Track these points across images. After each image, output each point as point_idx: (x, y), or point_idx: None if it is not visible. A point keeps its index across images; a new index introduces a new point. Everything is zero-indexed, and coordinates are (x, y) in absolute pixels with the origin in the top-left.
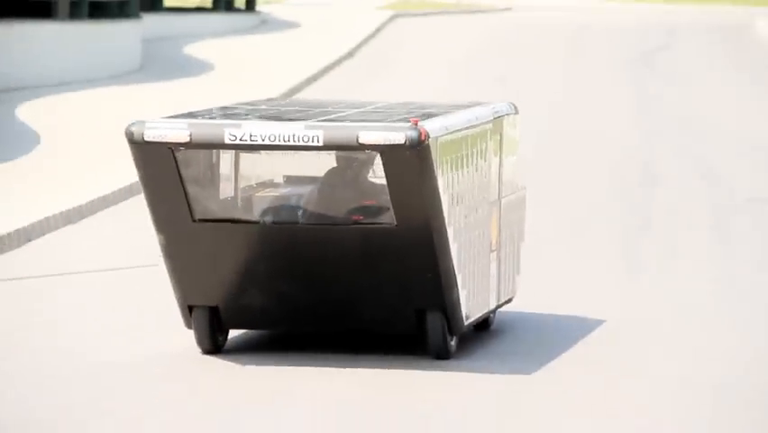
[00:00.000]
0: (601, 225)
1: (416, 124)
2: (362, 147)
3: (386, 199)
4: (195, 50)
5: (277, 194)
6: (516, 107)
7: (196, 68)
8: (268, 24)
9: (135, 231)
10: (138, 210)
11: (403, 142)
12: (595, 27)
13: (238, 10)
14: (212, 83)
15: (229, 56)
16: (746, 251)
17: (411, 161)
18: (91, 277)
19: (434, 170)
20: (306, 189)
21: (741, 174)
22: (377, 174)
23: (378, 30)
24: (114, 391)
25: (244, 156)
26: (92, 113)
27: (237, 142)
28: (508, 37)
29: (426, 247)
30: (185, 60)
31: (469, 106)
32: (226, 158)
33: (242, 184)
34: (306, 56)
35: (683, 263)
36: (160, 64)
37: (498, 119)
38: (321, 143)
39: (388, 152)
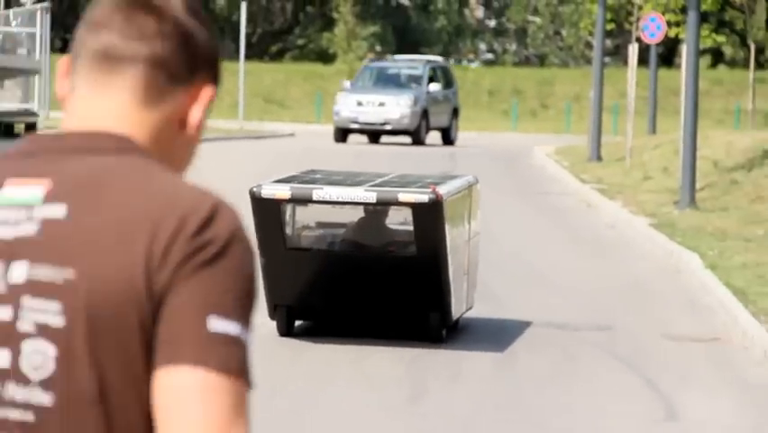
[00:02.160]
0: (385, 351)
1: (434, 190)
2: (400, 204)
3: (407, 237)
4: None
5: (317, 234)
6: (477, 179)
7: None
8: None
9: None
10: None
11: (427, 201)
12: (377, 152)
13: (18, 135)
14: None
15: None
16: (530, 376)
17: (431, 213)
18: None
19: (444, 219)
20: (337, 230)
21: (524, 299)
22: (407, 221)
23: None
24: None
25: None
26: None
27: (320, 199)
28: (295, 161)
29: (435, 269)
30: None
31: (453, 177)
32: (288, 208)
33: (296, 226)
34: None
35: (467, 387)
36: None
37: (470, 187)
38: (375, 201)
39: (416, 207)
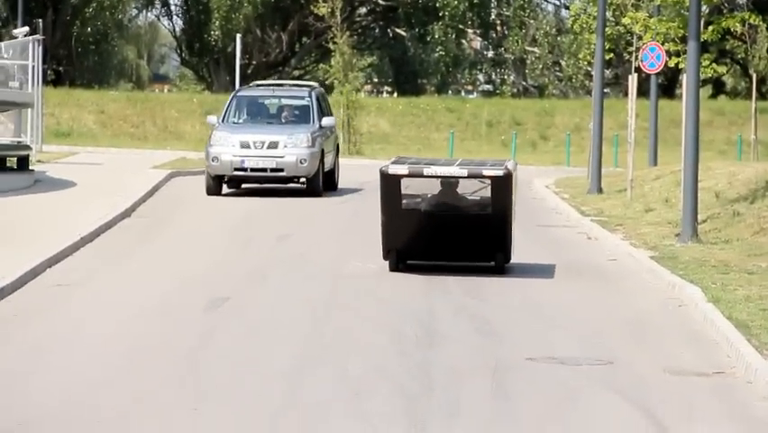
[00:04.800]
0: (383, 388)
1: (506, 166)
2: (484, 177)
3: (480, 201)
4: None
5: (417, 200)
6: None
7: None
8: (42, 184)
9: None
10: None
11: (503, 174)
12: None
13: (10, 169)
14: None
15: (1, 216)
16: (526, 409)
17: (505, 182)
18: None
19: (512, 187)
20: (424, 197)
21: (519, 332)
22: (475, 191)
23: (155, 189)
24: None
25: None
26: None
27: (430, 174)
28: (287, 197)
29: (504, 223)
30: None
31: (504, 160)
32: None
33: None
34: (81, 215)
35: (466, 424)
36: None
37: (516, 166)
38: (466, 175)
39: (495, 179)
